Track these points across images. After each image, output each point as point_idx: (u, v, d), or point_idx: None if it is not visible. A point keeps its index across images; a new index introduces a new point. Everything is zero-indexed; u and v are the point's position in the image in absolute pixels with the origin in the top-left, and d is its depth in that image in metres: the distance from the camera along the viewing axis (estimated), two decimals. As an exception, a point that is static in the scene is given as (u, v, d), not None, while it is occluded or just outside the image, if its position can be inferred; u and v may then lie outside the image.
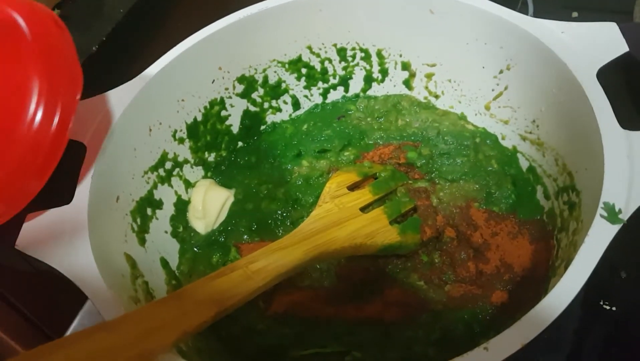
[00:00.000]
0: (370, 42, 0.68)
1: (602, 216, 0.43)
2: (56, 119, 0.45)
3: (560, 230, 0.55)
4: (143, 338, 0.39)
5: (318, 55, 0.69)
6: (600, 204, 0.43)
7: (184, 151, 0.65)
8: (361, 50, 0.69)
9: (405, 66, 0.69)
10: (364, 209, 0.61)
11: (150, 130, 0.60)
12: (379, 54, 0.69)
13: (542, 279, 0.55)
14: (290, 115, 0.74)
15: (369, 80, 0.72)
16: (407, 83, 0.71)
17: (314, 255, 0.53)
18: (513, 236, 0.59)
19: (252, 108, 0.70)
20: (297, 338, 0.56)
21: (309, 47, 0.68)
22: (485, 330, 0.54)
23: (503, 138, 0.65)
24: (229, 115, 0.69)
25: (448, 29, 0.63)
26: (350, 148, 0.69)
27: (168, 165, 0.63)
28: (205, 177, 0.68)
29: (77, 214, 0.49)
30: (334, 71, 0.71)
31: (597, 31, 0.54)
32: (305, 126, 0.72)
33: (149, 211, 0.60)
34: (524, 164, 0.63)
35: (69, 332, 0.69)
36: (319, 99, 0.73)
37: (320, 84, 0.72)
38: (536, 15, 0.57)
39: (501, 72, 0.62)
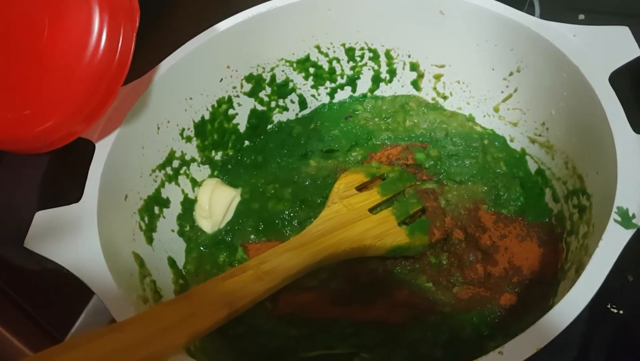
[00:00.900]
0: (379, 42, 0.68)
1: (615, 220, 0.43)
2: (118, 50, 0.48)
3: (570, 233, 0.55)
4: (155, 338, 0.38)
5: (326, 55, 0.69)
6: (614, 209, 0.43)
7: (191, 150, 0.65)
8: (370, 50, 0.69)
9: (414, 67, 0.69)
10: (373, 210, 0.61)
11: (159, 128, 0.60)
12: (388, 54, 0.69)
13: (551, 282, 0.55)
14: (297, 114, 0.73)
15: (376, 80, 0.72)
16: (415, 84, 0.70)
17: (323, 256, 0.52)
18: (522, 239, 0.59)
19: (259, 107, 0.70)
20: (303, 339, 0.56)
21: (317, 47, 0.68)
22: (493, 333, 0.54)
23: (512, 140, 0.65)
24: (236, 114, 0.69)
25: (458, 31, 0.63)
26: (357, 148, 0.69)
27: (175, 163, 0.63)
28: (211, 176, 0.68)
29: (86, 213, 0.49)
30: (342, 70, 0.71)
31: (609, 35, 0.54)
32: (312, 126, 0.72)
33: (156, 209, 0.59)
34: (532, 166, 0.63)
35: (72, 331, 0.68)
36: (326, 99, 0.73)
37: (327, 83, 0.72)
38: (543, 17, 0.57)
39: (511, 74, 0.62)
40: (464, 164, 0.65)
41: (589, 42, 0.54)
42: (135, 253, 0.53)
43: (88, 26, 0.47)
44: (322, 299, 0.59)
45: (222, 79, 0.65)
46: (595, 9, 0.84)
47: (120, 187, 0.55)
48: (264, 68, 0.68)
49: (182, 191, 0.64)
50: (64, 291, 0.70)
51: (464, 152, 0.66)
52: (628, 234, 0.42)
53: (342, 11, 0.65)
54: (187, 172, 0.65)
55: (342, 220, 0.57)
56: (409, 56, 0.69)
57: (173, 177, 0.63)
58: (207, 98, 0.65)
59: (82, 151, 0.53)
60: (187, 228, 0.64)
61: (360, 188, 0.63)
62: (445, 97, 0.70)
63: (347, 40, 0.68)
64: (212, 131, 0.67)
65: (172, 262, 0.59)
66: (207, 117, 0.65)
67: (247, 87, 0.68)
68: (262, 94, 0.70)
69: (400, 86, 0.72)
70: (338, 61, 0.70)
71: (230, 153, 0.70)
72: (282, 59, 0.68)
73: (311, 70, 0.70)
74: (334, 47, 0.69)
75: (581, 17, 0.84)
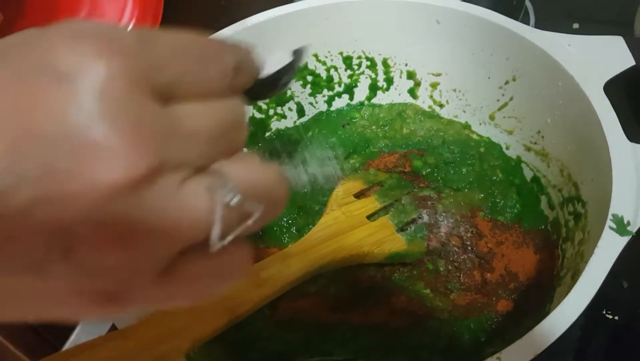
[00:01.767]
0: (377, 51, 0.69)
1: (611, 227, 0.43)
2: None
3: (565, 240, 0.56)
4: (158, 344, 0.39)
5: (324, 63, 0.70)
6: (609, 216, 0.44)
7: (190, 157, 0.65)
8: (367, 58, 0.70)
9: (411, 75, 0.70)
10: (370, 217, 0.61)
11: (158, 136, 0.60)
12: (385, 62, 0.70)
13: (547, 289, 0.55)
14: (294, 122, 0.74)
15: (374, 88, 0.72)
16: (412, 92, 0.71)
17: (323, 263, 0.53)
18: (518, 246, 0.60)
19: (258, 115, 0.71)
20: (302, 344, 0.56)
21: (315, 55, 0.69)
22: (490, 338, 0.54)
23: (507, 148, 0.66)
24: (235, 121, 0.69)
25: (454, 40, 0.64)
26: (355, 156, 0.70)
27: (175, 171, 0.63)
28: (210, 183, 0.68)
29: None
30: (340, 78, 0.72)
31: (604, 44, 0.55)
32: (310, 133, 0.73)
33: (155, 216, 0.60)
34: (528, 174, 0.64)
35: (71, 339, 0.68)
36: (323, 107, 0.74)
37: (325, 91, 0.72)
38: (537, 25, 0.58)
39: (507, 82, 0.63)
40: (460, 172, 0.66)
41: (584, 52, 0.54)
42: (136, 259, 0.54)
43: (119, 17, 0.55)
44: (321, 305, 0.59)
45: (221, 87, 0.65)
46: (590, 18, 0.85)
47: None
48: (262, 76, 0.68)
49: (181, 198, 0.64)
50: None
51: (460, 160, 0.66)
52: (623, 241, 0.43)
53: (340, 20, 0.66)
54: (187, 179, 0.65)
55: (341, 227, 0.58)
56: (406, 65, 0.69)
57: (172, 185, 0.63)
58: (206, 106, 0.65)
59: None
60: (187, 235, 0.64)
61: (358, 195, 0.64)
62: (441, 105, 0.71)
63: (345, 49, 0.69)
64: (211, 138, 0.67)
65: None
66: (206, 124, 0.66)
67: (246, 95, 0.68)
68: (260, 102, 0.70)
69: (397, 94, 0.72)
70: (336, 69, 0.71)
71: (229, 160, 0.70)
72: (280, 67, 0.68)
73: (309, 78, 0.71)
74: (331, 55, 0.69)
75: (575, 26, 0.86)
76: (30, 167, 0.17)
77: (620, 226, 0.43)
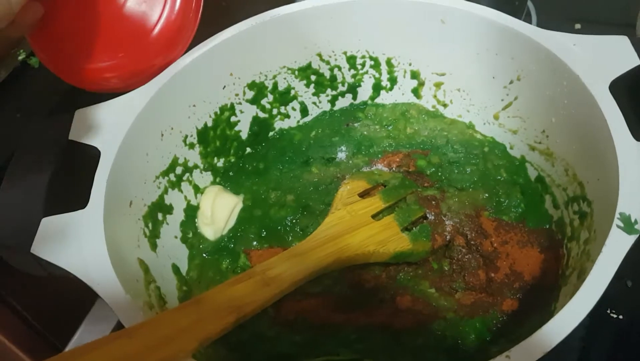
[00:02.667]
0: (380, 50, 0.69)
1: (618, 226, 0.43)
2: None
3: (570, 239, 0.56)
4: (166, 343, 0.39)
5: (328, 63, 0.70)
6: (617, 215, 0.44)
7: (194, 156, 0.65)
8: (371, 58, 0.70)
9: (415, 75, 0.70)
10: (375, 216, 0.61)
11: (162, 135, 0.60)
12: (389, 62, 0.70)
13: (552, 288, 0.55)
14: (298, 122, 0.74)
15: (377, 88, 0.72)
16: (416, 92, 0.71)
17: (328, 262, 0.53)
18: (522, 245, 0.60)
19: (262, 114, 0.71)
20: (307, 345, 0.56)
21: (319, 55, 0.69)
22: (496, 338, 0.54)
23: (512, 148, 0.66)
24: (239, 121, 0.69)
25: (459, 39, 0.63)
26: (359, 155, 0.70)
27: (178, 170, 0.63)
28: (214, 183, 0.68)
29: (92, 219, 0.49)
30: (343, 78, 0.72)
31: (609, 44, 0.55)
32: (313, 133, 0.73)
33: (159, 216, 0.60)
34: (532, 173, 0.64)
35: (73, 339, 0.68)
36: (327, 106, 0.74)
37: (329, 91, 0.72)
38: (539, 26, 0.58)
39: (511, 82, 0.63)
40: (465, 171, 0.65)
41: (589, 51, 0.54)
42: (140, 259, 0.54)
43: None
44: (326, 305, 0.59)
45: (225, 86, 0.66)
46: (592, 19, 0.85)
47: (125, 193, 0.55)
48: (266, 76, 0.68)
49: (185, 197, 0.64)
50: (64, 300, 0.70)
51: (464, 160, 0.66)
52: (631, 240, 0.43)
53: (344, 20, 0.66)
54: (190, 178, 0.65)
55: (346, 226, 0.58)
56: (410, 64, 0.69)
57: (176, 184, 0.63)
58: (210, 105, 0.65)
59: (88, 158, 0.53)
60: (190, 235, 0.64)
61: (363, 195, 0.63)
62: (445, 105, 0.71)
63: (349, 49, 0.69)
64: (215, 137, 0.67)
65: (175, 268, 0.60)
66: (209, 124, 0.66)
67: (250, 94, 0.68)
68: (264, 102, 0.70)
69: (400, 94, 0.72)
70: (339, 68, 0.71)
71: (232, 160, 0.70)
72: (284, 67, 0.68)
73: (313, 77, 0.71)
74: (335, 55, 0.69)
75: (577, 26, 0.86)
76: None
77: (628, 225, 0.43)
